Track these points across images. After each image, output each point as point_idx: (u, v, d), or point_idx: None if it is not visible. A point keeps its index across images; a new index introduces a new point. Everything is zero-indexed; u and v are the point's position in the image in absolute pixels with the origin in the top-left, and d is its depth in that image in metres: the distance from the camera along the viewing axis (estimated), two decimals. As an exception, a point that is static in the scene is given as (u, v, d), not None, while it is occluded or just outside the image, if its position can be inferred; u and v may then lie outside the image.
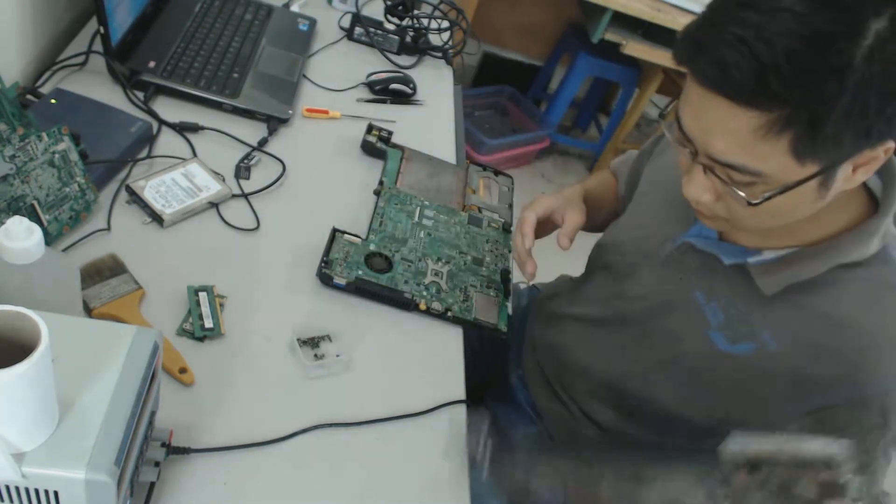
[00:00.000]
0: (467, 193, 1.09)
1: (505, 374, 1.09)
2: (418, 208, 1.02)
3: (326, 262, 0.86)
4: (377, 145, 1.10)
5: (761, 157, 0.60)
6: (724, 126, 0.60)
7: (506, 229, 1.06)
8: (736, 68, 0.56)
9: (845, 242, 0.70)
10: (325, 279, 0.86)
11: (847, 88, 0.55)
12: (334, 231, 0.90)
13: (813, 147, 0.59)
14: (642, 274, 0.87)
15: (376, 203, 0.99)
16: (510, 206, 1.11)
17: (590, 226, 1.03)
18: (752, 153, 0.60)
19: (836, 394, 0.71)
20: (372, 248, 0.92)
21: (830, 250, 0.71)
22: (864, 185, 0.73)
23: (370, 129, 1.12)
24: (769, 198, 0.64)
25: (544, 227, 0.95)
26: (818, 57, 0.54)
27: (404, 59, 1.36)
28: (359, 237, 0.92)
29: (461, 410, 0.81)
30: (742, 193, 0.65)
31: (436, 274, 0.93)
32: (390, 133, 1.12)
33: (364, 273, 0.88)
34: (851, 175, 0.64)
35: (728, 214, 0.70)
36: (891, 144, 0.61)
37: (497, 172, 1.17)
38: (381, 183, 1.03)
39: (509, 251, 1.03)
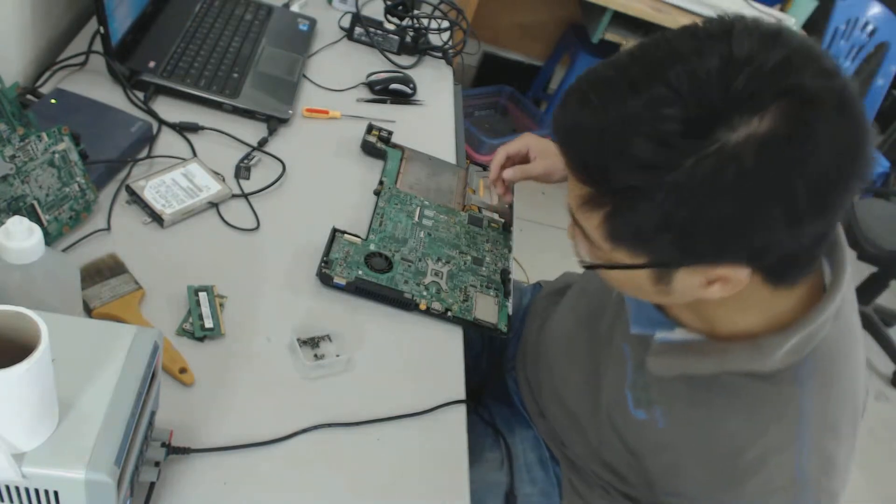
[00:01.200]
0: (467, 193, 1.09)
1: (503, 374, 1.09)
2: (418, 208, 1.01)
3: (326, 262, 0.86)
4: (377, 145, 1.10)
5: (588, 224, 0.58)
6: (571, 183, 0.59)
7: (506, 229, 1.06)
8: (570, 138, 0.55)
9: (736, 352, 0.63)
10: (325, 279, 0.86)
11: (653, 188, 0.51)
12: (334, 231, 0.90)
13: (618, 237, 0.56)
14: (604, 302, 0.85)
15: (376, 203, 0.99)
16: (510, 205, 1.11)
17: None
18: (582, 215, 0.58)
19: (703, 501, 0.68)
20: (372, 248, 0.91)
21: (722, 354, 0.64)
22: (818, 285, 0.64)
23: (370, 129, 1.11)
24: (595, 266, 0.62)
25: (524, 161, 1.00)
26: (623, 165, 0.51)
27: (404, 59, 1.36)
28: (359, 237, 0.92)
29: (461, 410, 0.81)
30: (582, 253, 0.63)
31: (436, 274, 0.93)
32: (390, 133, 1.12)
33: (364, 273, 0.87)
34: (706, 285, 0.57)
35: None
36: (740, 271, 0.55)
37: None
38: (381, 183, 1.03)
39: (509, 251, 1.02)
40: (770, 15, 2.30)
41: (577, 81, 0.55)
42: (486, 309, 0.92)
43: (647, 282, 0.59)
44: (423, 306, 0.88)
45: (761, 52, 0.49)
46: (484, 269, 0.97)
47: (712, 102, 0.49)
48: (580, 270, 1.03)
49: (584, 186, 0.56)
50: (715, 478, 0.67)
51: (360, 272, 0.87)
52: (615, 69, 0.53)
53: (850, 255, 0.65)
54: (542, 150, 0.99)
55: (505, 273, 0.98)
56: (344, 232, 0.91)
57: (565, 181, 0.99)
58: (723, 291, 0.57)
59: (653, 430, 0.72)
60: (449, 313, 0.88)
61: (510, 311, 0.93)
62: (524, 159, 1.01)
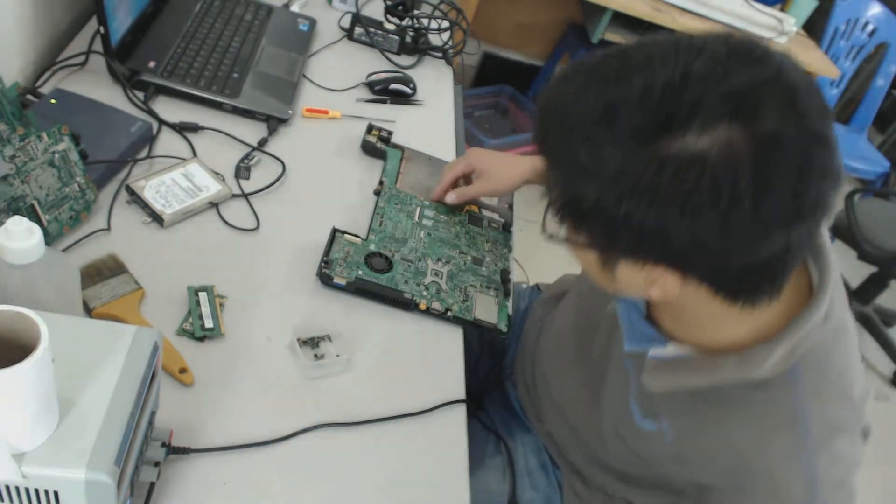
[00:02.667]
0: None
1: (502, 379, 1.09)
2: (418, 208, 1.01)
3: (326, 262, 0.86)
4: (377, 145, 1.10)
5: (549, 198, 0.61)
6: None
7: (506, 229, 1.06)
8: (538, 110, 0.59)
9: (725, 364, 0.63)
10: (325, 279, 0.86)
11: (590, 180, 0.53)
12: (334, 231, 0.90)
13: (558, 211, 0.58)
14: (598, 316, 0.84)
15: (376, 203, 0.99)
16: (510, 205, 1.11)
17: None
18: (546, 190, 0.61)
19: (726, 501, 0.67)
20: (372, 248, 0.91)
21: (712, 368, 0.64)
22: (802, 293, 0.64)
23: (370, 129, 1.11)
24: (552, 237, 0.63)
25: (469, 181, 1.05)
26: (570, 145, 0.54)
27: (404, 59, 1.36)
28: (359, 237, 0.92)
29: (461, 410, 0.81)
30: (547, 227, 0.63)
31: (436, 274, 0.93)
32: (390, 133, 1.12)
33: (364, 273, 0.87)
34: (647, 285, 0.58)
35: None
36: (670, 276, 0.56)
37: None
38: (381, 183, 1.03)
39: (509, 251, 1.02)
40: (770, 15, 2.30)
41: (571, 62, 0.59)
42: (486, 309, 0.92)
43: (596, 266, 0.60)
44: (423, 306, 0.88)
45: (727, 72, 0.50)
46: (484, 268, 0.97)
47: (659, 113, 0.50)
48: (578, 272, 1.04)
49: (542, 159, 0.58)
50: (730, 486, 0.67)
51: (360, 272, 0.87)
52: (602, 59, 0.56)
53: (834, 253, 0.65)
54: (483, 169, 1.02)
55: (505, 273, 0.98)
56: (344, 232, 0.91)
57: (510, 193, 1.03)
58: (662, 296, 0.58)
59: (662, 443, 0.72)
60: (449, 313, 0.88)
61: (510, 311, 0.93)
62: (469, 179, 1.05)
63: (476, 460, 0.79)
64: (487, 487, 0.92)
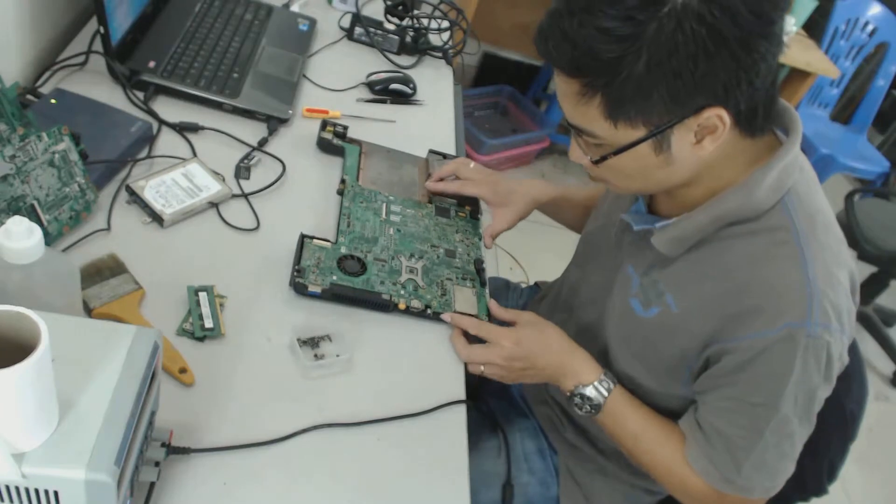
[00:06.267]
0: (429, 183, 1.06)
1: None
2: (384, 204, 0.99)
3: (298, 270, 0.84)
4: (333, 141, 1.06)
5: (589, 119, 0.69)
6: (564, 93, 0.69)
7: (473, 216, 1.05)
8: (557, 45, 0.66)
9: (726, 195, 0.73)
10: (299, 288, 0.83)
11: (634, 56, 0.62)
12: (302, 237, 0.88)
13: (617, 109, 0.66)
14: (598, 259, 0.93)
15: (341, 203, 0.97)
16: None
17: (568, 224, 1.14)
18: (581, 116, 0.69)
19: (723, 343, 0.73)
20: (343, 250, 0.89)
21: (715, 202, 0.74)
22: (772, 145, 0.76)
23: (324, 125, 1.08)
24: (605, 158, 0.71)
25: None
26: (602, 42, 0.62)
27: (404, 59, 1.36)
28: (328, 241, 0.90)
29: (461, 410, 0.81)
30: (589, 155, 0.73)
31: (411, 271, 0.91)
32: (346, 128, 1.09)
33: (339, 278, 0.85)
34: (696, 143, 0.68)
35: (604, 177, 0.77)
36: (720, 111, 0.65)
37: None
38: (342, 181, 1.00)
39: (479, 239, 1.02)
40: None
41: (550, 19, 0.67)
42: (465, 301, 0.91)
43: (650, 155, 0.69)
44: (402, 306, 0.86)
45: None
46: (457, 260, 0.96)
47: None
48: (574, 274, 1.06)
49: (575, 82, 0.66)
50: (728, 318, 0.73)
51: (334, 277, 0.85)
52: None
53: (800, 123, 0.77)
54: (501, 197, 1.03)
55: (479, 262, 0.97)
56: (312, 237, 0.89)
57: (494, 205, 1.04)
58: (713, 143, 0.68)
59: (668, 318, 0.79)
60: (429, 310, 0.87)
61: (488, 299, 0.93)
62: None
63: (471, 444, 0.79)
64: (482, 470, 0.93)
